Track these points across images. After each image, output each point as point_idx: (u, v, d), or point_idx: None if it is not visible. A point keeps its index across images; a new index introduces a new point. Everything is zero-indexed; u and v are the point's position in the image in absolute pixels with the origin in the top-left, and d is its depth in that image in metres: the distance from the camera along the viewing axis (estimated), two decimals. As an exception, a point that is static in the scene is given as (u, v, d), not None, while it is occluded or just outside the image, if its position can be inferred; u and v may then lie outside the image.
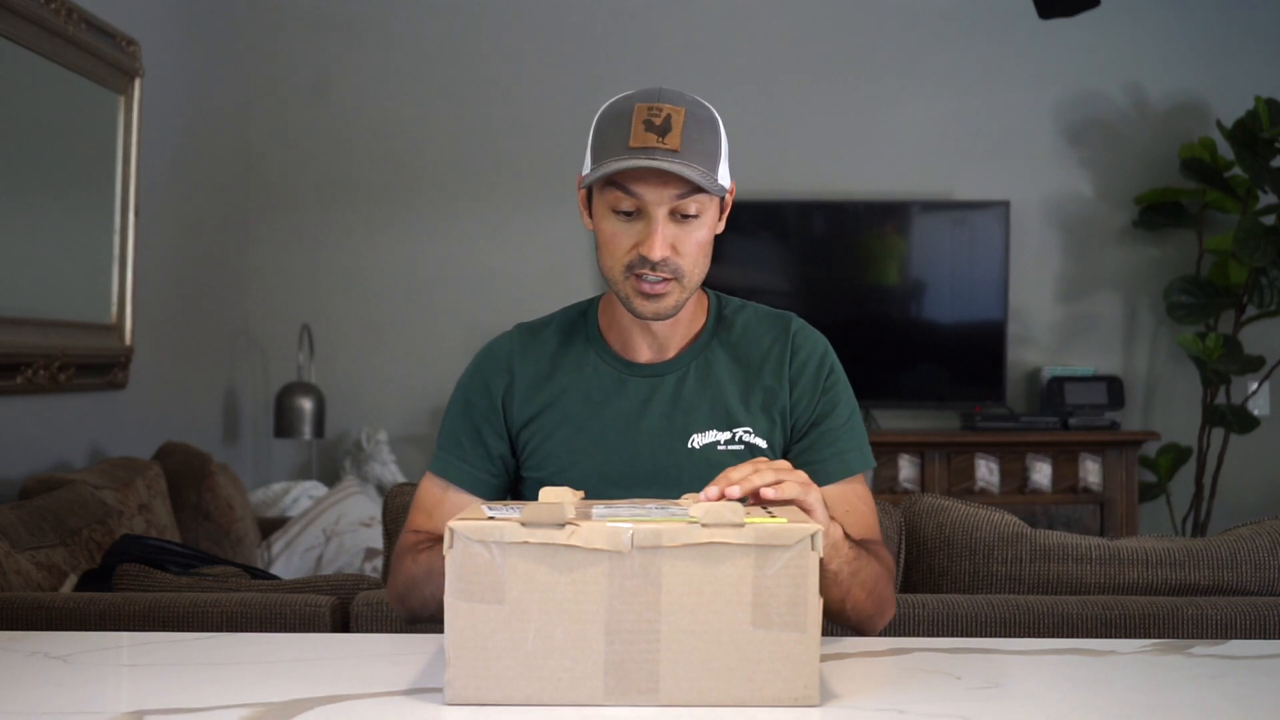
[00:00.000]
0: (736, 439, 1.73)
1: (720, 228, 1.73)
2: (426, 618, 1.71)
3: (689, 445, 1.72)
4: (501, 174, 5.25)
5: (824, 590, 1.59)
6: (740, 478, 1.44)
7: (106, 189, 3.90)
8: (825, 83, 5.26)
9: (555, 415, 1.76)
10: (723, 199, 1.71)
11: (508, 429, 1.78)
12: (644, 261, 1.64)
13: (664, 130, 1.60)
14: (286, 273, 5.26)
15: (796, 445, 1.76)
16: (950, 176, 5.24)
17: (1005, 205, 5.13)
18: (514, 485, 1.82)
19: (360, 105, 5.25)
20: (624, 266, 1.67)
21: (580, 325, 1.81)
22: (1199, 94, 5.21)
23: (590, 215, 1.72)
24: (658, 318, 1.70)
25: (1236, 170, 4.92)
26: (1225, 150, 4.98)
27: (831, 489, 1.71)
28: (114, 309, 3.95)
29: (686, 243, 1.65)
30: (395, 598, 1.76)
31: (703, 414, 1.74)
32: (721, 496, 1.42)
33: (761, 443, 1.73)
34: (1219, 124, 4.91)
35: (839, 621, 1.68)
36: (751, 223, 5.21)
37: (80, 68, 3.68)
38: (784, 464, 1.49)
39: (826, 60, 5.27)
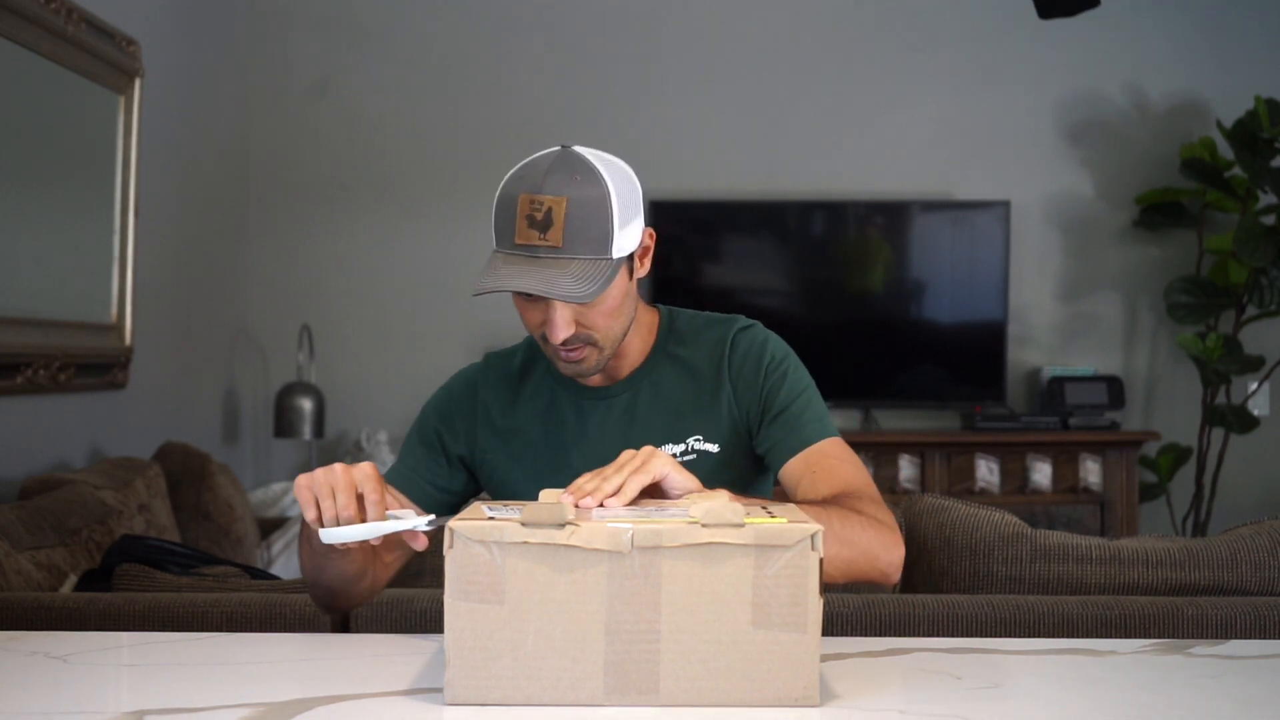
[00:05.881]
0: (689, 449, 1.75)
1: (644, 270, 1.74)
2: (325, 605, 1.77)
3: None
4: (502, 174, 5.22)
5: None
6: (592, 489, 1.44)
7: (106, 189, 3.89)
8: (825, 82, 5.26)
9: (518, 444, 1.80)
10: (632, 254, 1.69)
11: (473, 454, 1.83)
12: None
13: (545, 225, 1.60)
14: (286, 273, 5.26)
15: (757, 438, 1.76)
16: (950, 176, 5.24)
17: (1005, 205, 5.13)
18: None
19: (360, 105, 5.25)
20: (539, 336, 1.71)
21: (540, 354, 1.84)
22: (1199, 94, 5.22)
23: None
24: (580, 378, 1.75)
25: (1237, 170, 4.92)
26: (1225, 150, 4.98)
27: (793, 461, 1.71)
28: (114, 309, 3.95)
29: (590, 316, 1.67)
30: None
31: (656, 428, 1.76)
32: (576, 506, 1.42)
33: (713, 447, 1.76)
34: (1219, 124, 4.91)
35: (841, 582, 1.63)
36: (751, 223, 5.21)
37: (80, 68, 3.68)
38: (622, 458, 1.50)
39: (826, 60, 5.27)
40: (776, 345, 1.81)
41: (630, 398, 1.79)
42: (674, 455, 1.73)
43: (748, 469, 1.79)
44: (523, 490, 1.77)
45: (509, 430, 1.81)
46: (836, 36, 5.28)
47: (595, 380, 1.80)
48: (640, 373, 1.80)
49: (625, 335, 1.75)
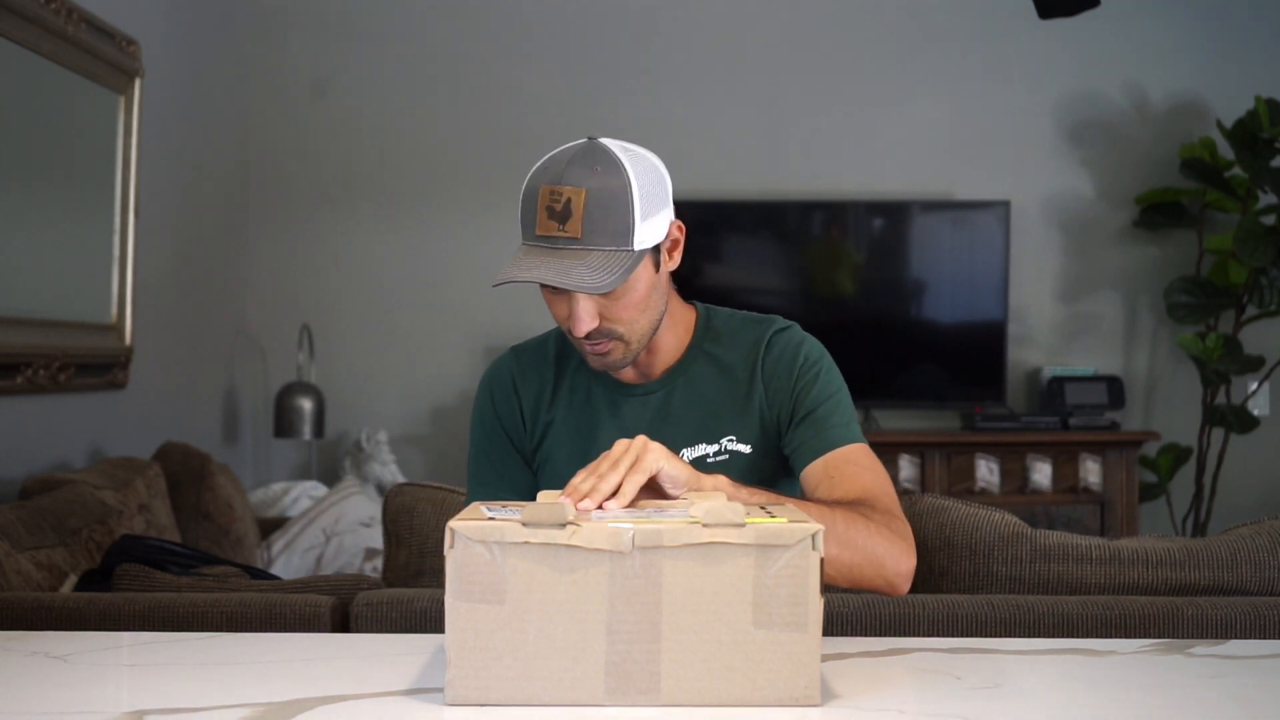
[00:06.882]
0: (722, 449, 1.74)
1: (674, 263, 1.73)
2: None
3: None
4: (502, 174, 5.23)
5: None
6: (589, 489, 1.43)
7: (106, 189, 3.89)
8: (825, 83, 5.26)
9: (555, 439, 1.80)
10: (658, 247, 1.68)
11: (528, 448, 1.83)
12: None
13: (564, 216, 1.59)
14: (286, 273, 5.26)
15: (785, 439, 1.76)
16: (950, 176, 5.24)
17: (1005, 205, 5.13)
18: None
19: (360, 105, 5.25)
20: (566, 329, 1.70)
21: (573, 348, 1.82)
22: (1199, 94, 5.21)
23: None
24: (609, 371, 1.74)
25: (1236, 170, 4.92)
26: (1225, 150, 4.98)
27: (814, 464, 1.70)
28: (114, 309, 3.95)
29: (614, 309, 1.66)
30: None
31: (690, 428, 1.76)
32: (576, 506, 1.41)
33: (745, 447, 1.75)
34: (1219, 124, 4.91)
35: (842, 585, 1.60)
36: (751, 223, 5.20)
37: (80, 68, 3.68)
38: (615, 451, 1.48)
39: (826, 60, 5.27)
40: (812, 347, 1.80)
41: (665, 395, 1.78)
42: (707, 455, 1.73)
43: (778, 470, 1.78)
44: (553, 483, 1.74)
45: (546, 425, 1.81)
46: (837, 37, 5.28)
47: (630, 376, 1.79)
48: (675, 370, 1.79)
49: (654, 330, 1.73)
